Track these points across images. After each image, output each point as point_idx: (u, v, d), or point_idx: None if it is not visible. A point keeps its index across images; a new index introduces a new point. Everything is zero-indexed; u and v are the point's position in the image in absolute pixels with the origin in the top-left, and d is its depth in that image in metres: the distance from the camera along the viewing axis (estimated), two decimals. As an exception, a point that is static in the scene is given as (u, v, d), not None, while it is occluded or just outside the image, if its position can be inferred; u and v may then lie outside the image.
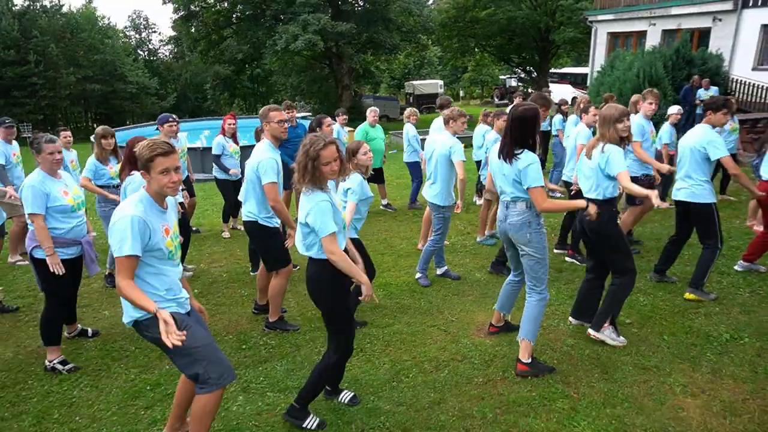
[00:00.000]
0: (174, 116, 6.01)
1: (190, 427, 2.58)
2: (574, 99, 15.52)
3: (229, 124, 6.76)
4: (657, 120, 6.62)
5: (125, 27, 46.84)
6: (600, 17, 22.20)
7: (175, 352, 2.37)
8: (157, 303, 2.31)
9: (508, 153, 3.19)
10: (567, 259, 5.58)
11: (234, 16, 26.76)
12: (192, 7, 25.29)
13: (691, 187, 4.31)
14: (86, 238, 3.75)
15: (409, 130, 7.87)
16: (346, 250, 2.79)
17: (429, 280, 5.04)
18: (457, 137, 4.85)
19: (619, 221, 3.99)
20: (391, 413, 3.04)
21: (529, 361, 3.39)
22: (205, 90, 42.88)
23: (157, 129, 5.95)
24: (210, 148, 7.17)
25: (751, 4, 16.87)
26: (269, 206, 3.87)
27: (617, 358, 3.54)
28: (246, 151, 5.74)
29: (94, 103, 36.21)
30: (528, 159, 3.13)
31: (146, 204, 2.39)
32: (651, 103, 5.46)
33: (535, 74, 34.63)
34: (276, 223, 4.05)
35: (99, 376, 3.64)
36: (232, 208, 6.99)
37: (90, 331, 4.22)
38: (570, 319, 4.10)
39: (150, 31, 49.48)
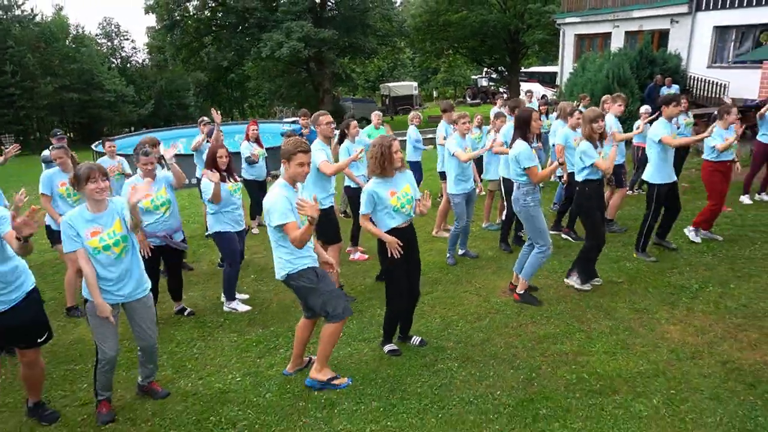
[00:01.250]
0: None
1: (318, 348, 3.51)
2: (543, 96, 16.75)
3: (253, 130, 7.64)
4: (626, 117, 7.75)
5: (96, 34, 46.49)
6: (567, 20, 23.51)
7: (313, 295, 3.30)
8: (302, 257, 3.29)
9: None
10: (562, 236, 6.65)
11: (214, 23, 27.28)
12: (175, 16, 25.71)
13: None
14: (164, 233, 4.59)
15: (411, 132, 8.81)
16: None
17: (455, 260, 6.03)
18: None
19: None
20: (453, 348, 4.01)
21: (522, 293, 4.71)
22: (180, 96, 43.06)
23: (199, 131, 6.83)
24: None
25: (704, 8, 18.39)
26: (325, 186, 4.84)
27: (615, 305, 4.59)
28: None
29: (71, 112, 36.02)
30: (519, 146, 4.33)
31: (286, 187, 3.32)
32: (620, 105, 6.60)
33: (506, 74, 36.03)
34: (329, 202, 5.00)
35: (206, 339, 4.49)
36: (258, 206, 7.85)
37: (187, 310, 5.07)
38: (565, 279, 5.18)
39: (122, 38, 49.19)
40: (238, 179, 5.29)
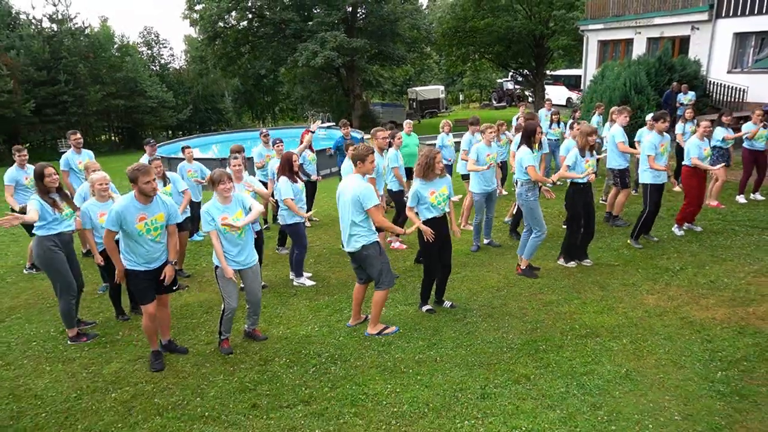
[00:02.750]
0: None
1: (371, 310, 4.79)
2: (569, 99, 17.57)
3: (306, 138, 8.97)
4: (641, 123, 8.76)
5: (137, 43, 49.01)
6: (590, 26, 24.27)
7: (375, 263, 4.57)
8: (373, 233, 4.58)
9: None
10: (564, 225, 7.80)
11: (252, 34, 28.94)
12: (216, 28, 27.47)
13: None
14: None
15: (443, 138, 10.00)
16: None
17: (478, 247, 7.23)
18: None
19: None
20: (477, 309, 5.23)
21: (524, 268, 6.00)
22: (215, 101, 45.16)
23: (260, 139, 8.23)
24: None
25: (724, 15, 19.07)
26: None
27: (609, 281, 5.74)
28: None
29: (117, 117, 38.34)
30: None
31: (363, 180, 4.58)
32: (626, 117, 7.69)
33: (531, 78, 36.84)
34: None
35: (285, 305, 5.79)
36: (308, 205, 9.17)
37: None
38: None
39: (161, 46, 51.69)
40: (303, 180, 6.60)
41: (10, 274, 7.45)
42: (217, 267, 4.54)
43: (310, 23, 26.62)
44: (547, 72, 36.88)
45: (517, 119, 11.72)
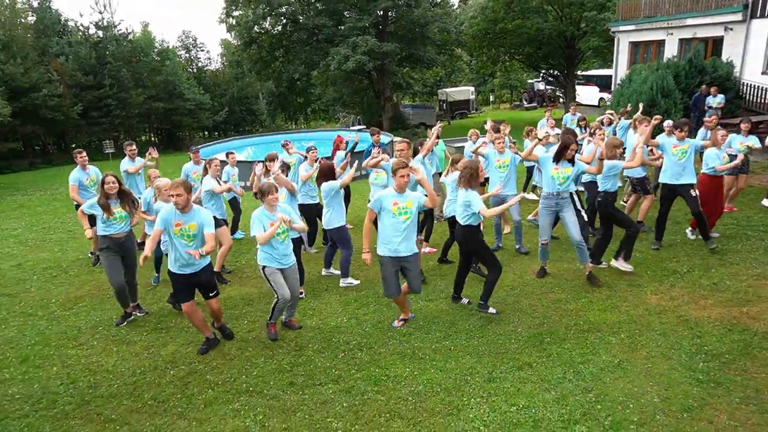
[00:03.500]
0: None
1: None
2: (601, 100, 17.60)
3: (340, 144, 9.59)
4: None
5: (176, 47, 50.86)
6: (622, 28, 24.21)
7: (415, 273, 5.10)
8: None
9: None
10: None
11: (286, 38, 29.87)
12: (252, 34, 28.50)
13: None
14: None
15: (468, 147, 10.43)
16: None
17: (498, 247, 7.72)
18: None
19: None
20: (493, 306, 5.72)
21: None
22: (250, 103, 46.52)
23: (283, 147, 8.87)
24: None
25: (758, 15, 18.87)
26: None
27: (617, 282, 6.15)
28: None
29: (157, 119, 39.97)
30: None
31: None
32: (646, 126, 8.02)
33: (562, 78, 36.72)
34: None
35: (318, 299, 6.40)
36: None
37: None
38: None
39: (198, 49, 53.46)
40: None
41: (72, 267, 8.31)
42: (264, 267, 5.16)
43: (342, 28, 27.33)
44: (579, 72, 36.71)
45: (546, 122, 12.14)
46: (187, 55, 51.77)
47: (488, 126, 8.76)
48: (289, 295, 5.20)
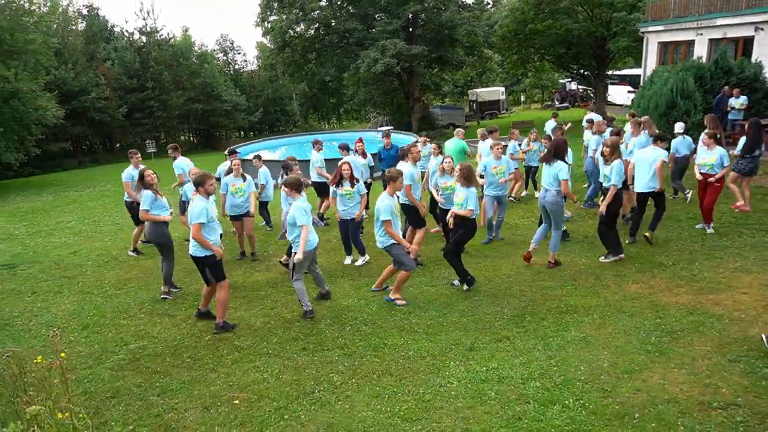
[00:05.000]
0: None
1: (395, 283, 6.11)
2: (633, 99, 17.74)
3: (359, 146, 10.35)
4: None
5: (214, 50, 52.83)
6: (651, 28, 24.13)
7: (399, 254, 5.86)
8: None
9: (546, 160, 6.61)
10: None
11: (318, 42, 30.96)
12: (286, 38, 29.70)
13: None
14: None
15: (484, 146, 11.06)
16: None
17: (489, 240, 8.38)
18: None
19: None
20: (487, 290, 6.40)
21: (553, 261, 6.89)
22: (284, 104, 48.01)
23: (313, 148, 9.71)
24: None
25: (791, 15, 18.66)
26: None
27: (605, 272, 6.72)
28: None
29: (195, 120, 41.78)
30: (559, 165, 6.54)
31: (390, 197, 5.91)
32: (645, 129, 8.53)
33: (592, 79, 36.59)
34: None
35: (334, 283, 7.19)
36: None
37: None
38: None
39: (235, 52, 55.36)
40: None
41: (122, 254, 9.37)
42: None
43: (373, 31, 28.20)
44: (609, 73, 36.49)
45: (554, 129, 12.59)
46: (225, 57, 53.73)
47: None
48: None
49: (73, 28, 36.01)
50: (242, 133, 47.62)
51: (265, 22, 30.39)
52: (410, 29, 29.63)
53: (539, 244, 7.15)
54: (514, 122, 30.45)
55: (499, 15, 34.86)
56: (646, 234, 7.54)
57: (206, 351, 5.34)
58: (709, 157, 7.80)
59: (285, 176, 7.21)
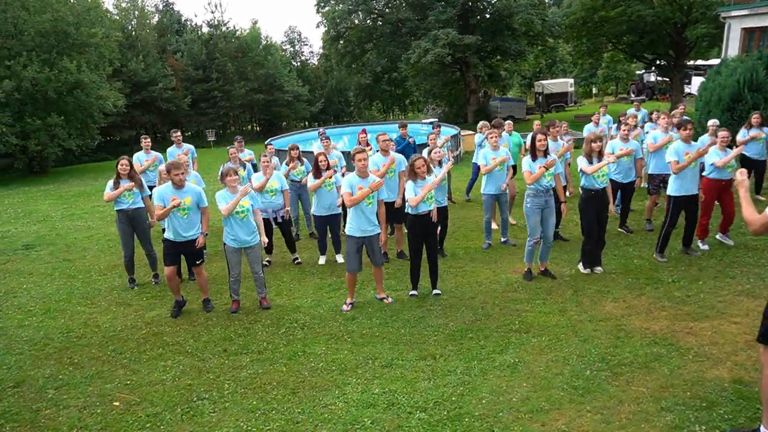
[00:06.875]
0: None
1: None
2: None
3: (362, 138, 9.94)
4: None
5: (281, 42, 54.08)
6: (734, 12, 21.82)
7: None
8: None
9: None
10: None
11: (374, 32, 30.68)
12: (339, 29, 29.67)
13: None
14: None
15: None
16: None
17: (489, 245, 7.72)
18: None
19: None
20: (447, 300, 5.86)
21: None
22: (348, 95, 48.28)
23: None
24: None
25: None
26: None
27: (587, 287, 5.94)
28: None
29: (258, 110, 43.05)
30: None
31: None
32: (664, 119, 7.54)
33: (669, 69, 33.73)
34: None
35: (300, 281, 6.93)
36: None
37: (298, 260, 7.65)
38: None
39: (302, 44, 56.39)
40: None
41: (117, 243, 9.60)
42: (224, 244, 5.81)
43: (426, 21, 27.50)
44: (690, 63, 33.46)
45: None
46: (292, 49, 54.90)
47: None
48: (237, 275, 5.94)
49: (148, 22, 38.07)
50: (306, 123, 48.46)
51: (319, 14, 30.57)
52: (467, 18, 28.60)
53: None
54: (576, 115, 28.71)
55: (566, 2, 32.91)
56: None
57: (133, 344, 5.25)
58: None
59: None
